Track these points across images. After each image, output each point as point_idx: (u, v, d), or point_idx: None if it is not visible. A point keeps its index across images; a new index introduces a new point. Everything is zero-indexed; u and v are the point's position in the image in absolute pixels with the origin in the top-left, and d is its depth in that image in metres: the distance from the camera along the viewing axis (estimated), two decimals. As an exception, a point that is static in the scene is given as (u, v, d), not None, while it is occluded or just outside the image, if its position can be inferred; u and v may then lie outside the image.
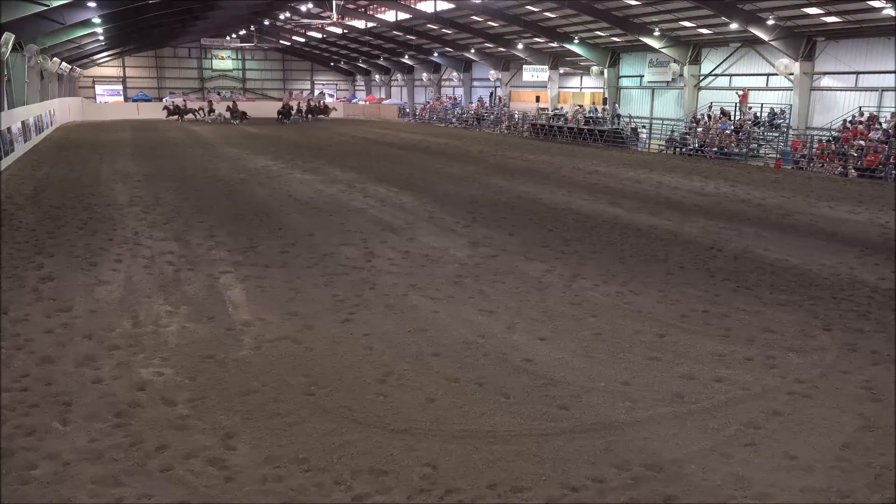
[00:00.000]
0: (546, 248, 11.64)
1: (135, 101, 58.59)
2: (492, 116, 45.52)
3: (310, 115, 54.06)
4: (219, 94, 68.25)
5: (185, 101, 54.33)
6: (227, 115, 50.48)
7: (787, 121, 28.20)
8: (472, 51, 47.24)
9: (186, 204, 15.29)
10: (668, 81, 34.67)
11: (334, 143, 32.87)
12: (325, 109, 55.17)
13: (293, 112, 52.89)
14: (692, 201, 16.87)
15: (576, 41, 36.72)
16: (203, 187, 17.85)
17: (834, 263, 10.81)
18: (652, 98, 36.73)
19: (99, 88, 65.23)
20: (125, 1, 30.65)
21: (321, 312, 8.17)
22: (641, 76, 36.30)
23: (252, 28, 54.72)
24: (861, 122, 24.58)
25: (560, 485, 4.74)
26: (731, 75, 31.98)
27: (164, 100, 57.92)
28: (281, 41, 65.33)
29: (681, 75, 33.49)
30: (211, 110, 51.27)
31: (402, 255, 10.96)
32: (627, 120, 34.85)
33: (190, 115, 50.53)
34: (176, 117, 49.47)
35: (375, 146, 31.12)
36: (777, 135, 28.36)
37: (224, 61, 71.12)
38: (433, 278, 9.68)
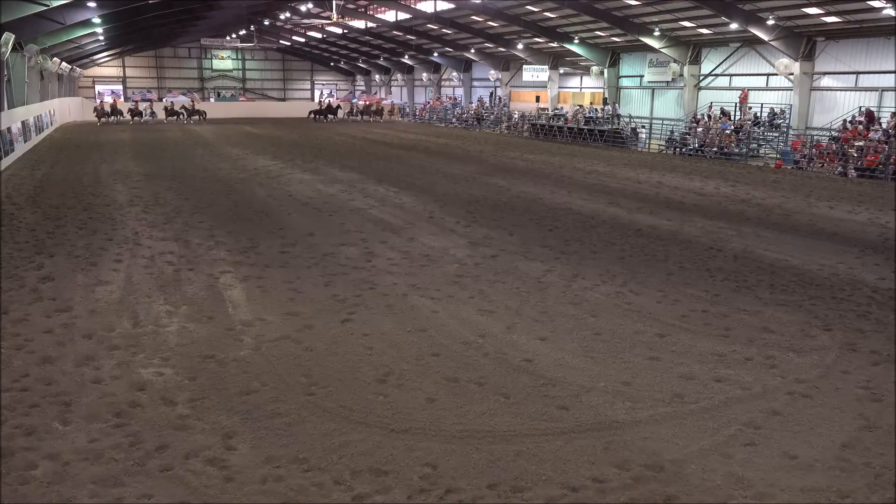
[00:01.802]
0: (546, 248, 11.64)
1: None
2: (492, 116, 45.52)
3: (361, 116, 52.12)
4: (219, 94, 68.30)
5: (114, 101, 49.42)
6: (163, 114, 46.71)
7: (787, 121, 28.21)
8: (472, 51, 47.25)
9: (186, 204, 15.29)
10: (668, 81, 34.68)
11: (334, 142, 32.86)
12: (380, 111, 53.05)
13: (343, 111, 51.39)
14: (692, 201, 16.87)
15: (576, 41, 36.73)
16: (203, 187, 17.85)
17: (834, 263, 10.81)
18: (652, 98, 36.74)
19: (99, 88, 65.25)
20: (125, 1, 30.64)
21: (321, 312, 8.17)
22: (641, 76, 36.31)
23: (252, 28, 54.71)
24: (860, 123, 24.58)
25: (560, 485, 4.73)
26: (731, 75, 31.99)
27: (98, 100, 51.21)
28: (281, 41, 65.37)
29: (681, 75, 33.50)
30: (152, 113, 47.29)
31: (402, 255, 10.95)
32: (627, 120, 34.86)
33: (114, 118, 45.44)
34: (105, 119, 44.55)
35: (375, 146, 31.12)
36: (777, 135, 28.37)
37: (224, 61, 71.15)
38: (433, 278, 9.67)
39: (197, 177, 19.89)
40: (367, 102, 55.52)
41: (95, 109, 45.63)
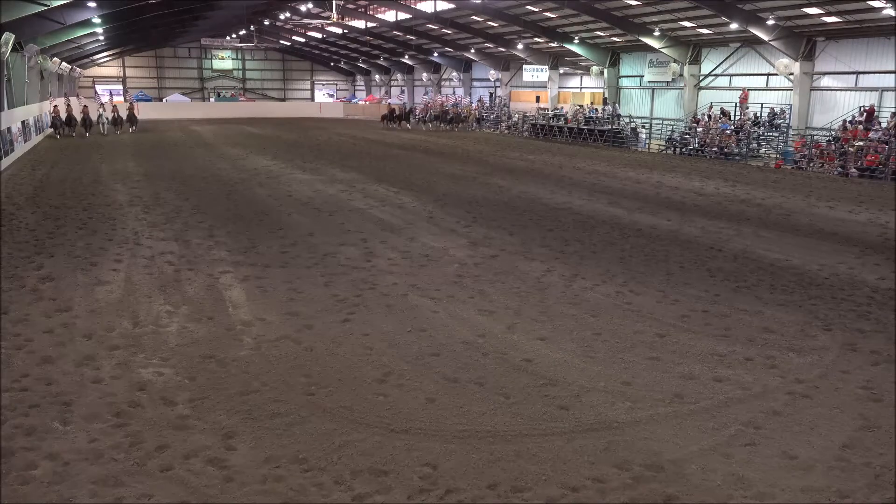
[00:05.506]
0: (546, 248, 11.64)
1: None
2: (492, 116, 45.50)
3: (441, 125, 43.37)
4: (219, 94, 68.30)
5: (68, 104, 36.17)
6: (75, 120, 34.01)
7: (787, 121, 28.20)
8: (472, 51, 47.24)
9: (186, 204, 15.28)
10: (668, 81, 34.68)
11: (334, 143, 32.86)
12: (457, 117, 44.08)
13: (423, 116, 45.32)
14: (692, 201, 16.87)
15: (576, 41, 36.74)
16: (203, 187, 17.85)
17: (834, 263, 10.81)
18: (652, 98, 36.73)
19: (99, 88, 65.22)
20: (125, 1, 30.65)
21: (321, 312, 8.17)
22: (641, 76, 36.31)
23: (252, 28, 54.73)
24: (860, 123, 24.57)
25: (560, 485, 4.73)
26: (731, 75, 31.99)
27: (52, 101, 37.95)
28: (281, 41, 65.39)
29: (681, 75, 33.50)
30: (109, 119, 36.27)
31: (402, 255, 10.95)
32: (627, 120, 34.85)
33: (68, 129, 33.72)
34: (59, 131, 33.43)
35: (375, 146, 31.12)
36: (777, 135, 28.37)
37: (224, 61, 71.20)
38: (433, 278, 9.67)
39: (197, 177, 19.88)
40: (443, 105, 46.25)
41: (53, 115, 34.07)
